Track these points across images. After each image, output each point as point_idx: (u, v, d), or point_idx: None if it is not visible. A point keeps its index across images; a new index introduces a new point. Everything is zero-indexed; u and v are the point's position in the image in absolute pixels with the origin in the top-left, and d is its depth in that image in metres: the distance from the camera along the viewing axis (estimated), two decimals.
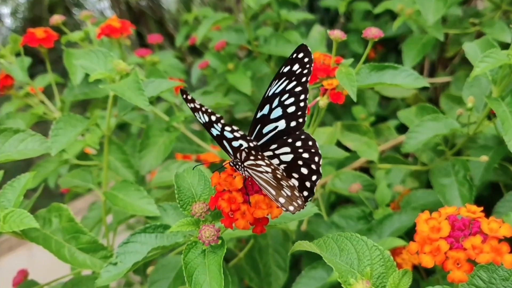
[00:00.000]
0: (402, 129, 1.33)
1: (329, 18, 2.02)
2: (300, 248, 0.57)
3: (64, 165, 1.14)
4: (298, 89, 0.61)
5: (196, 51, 2.16)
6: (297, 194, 0.55)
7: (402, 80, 0.84)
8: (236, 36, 1.46)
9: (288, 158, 0.61)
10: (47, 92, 1.18)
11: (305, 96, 0.61)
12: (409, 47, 1.25)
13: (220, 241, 0.60)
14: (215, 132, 0.58)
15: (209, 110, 0.55)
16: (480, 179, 0.96)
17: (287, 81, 0.61)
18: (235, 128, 0.56)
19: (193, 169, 0.67)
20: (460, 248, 0.46)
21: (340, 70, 0.81)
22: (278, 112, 0.62)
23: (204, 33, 1.47)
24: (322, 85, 0.82)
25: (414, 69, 1.24)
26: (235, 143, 0.58)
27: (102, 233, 1.05)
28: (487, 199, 1.22)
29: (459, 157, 0.98)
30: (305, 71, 0.60)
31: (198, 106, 0.56)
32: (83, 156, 1.18)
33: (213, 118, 0.56)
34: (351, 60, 0.85)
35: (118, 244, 0.71)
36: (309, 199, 0.59)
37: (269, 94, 0.62)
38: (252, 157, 0.56)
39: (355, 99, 0.77)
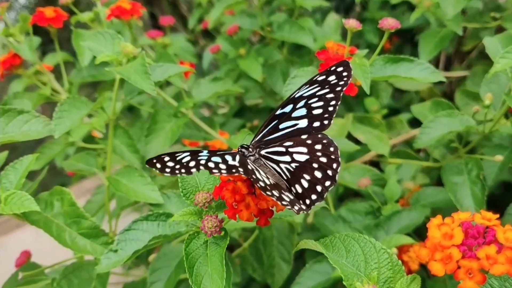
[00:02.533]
0: (414, 122, 1.30)
1: (345, 6, 1.99)
2: (305, 247, 0.56)
3: (70, 147, 1.13)
4: (330, 95, 0.61)
5: (209, 34, 2.13)
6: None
7: (417, 73, 0.82)
8: (249, 21, 1.43)
9: (302, 158, 0.59)
10: (56, 73, 1.16)
11: (336, 102, 0.60)
12: (426, 41, 1.22)
13: (223, 233, 0.58)
14: None
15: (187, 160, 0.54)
16: (493, 179, 0.93)
17: (318, 88, 0.61)
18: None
19: None
20: (473, 257, 0.43)
21: (354, 61, 0.78)
22: (301, 111, 0.61)
23: (216, 17, 1.44)
24: None
25: (430, 62, 1.21)
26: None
27: (107, 217, 1.04)
28: (499, 198, 1.19)
29: (473, 155, 0.95)
30: (342, 82, 0.60)
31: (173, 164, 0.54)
32: (90, 138, 1.17)
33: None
34: (365, 51, 0.83)
35: (122, 227, 0.70)
36: (315, 203, 0.57)
37: (296, 96, 0.62)
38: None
39: (368, 91, 0.75)
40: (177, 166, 0.53)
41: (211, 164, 0.53)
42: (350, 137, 1.07)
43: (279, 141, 0.61)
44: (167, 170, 0.53)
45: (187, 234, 0.61)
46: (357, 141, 1.11)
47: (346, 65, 0.61)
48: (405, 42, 1.78)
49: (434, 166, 1.07)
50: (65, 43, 1.35)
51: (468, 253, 0.44)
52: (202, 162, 0.53)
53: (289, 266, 1.00)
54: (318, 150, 0.59)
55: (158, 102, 1.32)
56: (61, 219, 0.74)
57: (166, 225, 0.67)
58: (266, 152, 0.61)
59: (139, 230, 0.67)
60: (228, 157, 0.55)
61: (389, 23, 0.76)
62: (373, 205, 1.05)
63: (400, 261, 0.51)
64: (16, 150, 0.85)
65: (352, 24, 0.76)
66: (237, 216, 0.56)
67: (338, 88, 0.60)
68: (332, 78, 0.61)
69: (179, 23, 2.72)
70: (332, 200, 1.11)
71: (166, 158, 0.54)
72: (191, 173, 0.53)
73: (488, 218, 0.46)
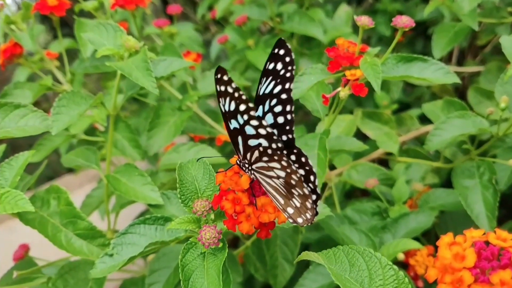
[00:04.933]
0: (425, 118, 1.26)
1: None
2: (307, 258, 0.53)
3: (73, 139, 1.11)
4: (283, 96, 0.55)
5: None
6: (309, 206, 0.51)
7: (431, 74, 0.78)
8: (258, 11, 1.39)
9: (282, 173, 0.54)
10: (62, 60, 1.13)
11: (291, 107, 0.55)
12: (440, 35, 1.17)
13: (221, 244, 0.56)
14: (234, 125, 0.51)
15: (243, 97, 0.49)
16: (505, 183, 0.90)
17: (273, 82, 0.55)
18: (263, 123, 0.50)
19: (197, 160, 0.62)
20: (486, 282, 0.40)
21: (365, 60, 0.75)
22: (270, 118, 0.56)
23: (225, 7, 1.41)
24: (344, 75, 0.76)
25: (443, 57, 1.17)
26: (253, 142, 0.52)
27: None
28: (509, 198, 1.16)
29: (485, 158, 0.92)
30: (288, 75, 0.54)
31: (230, 91, 0.49)
32: (92, 130, 1.14)
33: (242, 107, 0.49)
34: (377, 49, 0.80)
35: (124, 218, 0.67)
36: (314, 219, 0.54)
37: (260, 94, 0.56)
38: (265, 158, 0.51)
39: (378, 92, 0.71)
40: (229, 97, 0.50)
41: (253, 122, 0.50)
42: (359, 132, 1.04)
43: None
44: (223, 87, 0.50)
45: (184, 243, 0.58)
46: (365, 137, 1.07)
47: (284, 45, 0.54)
48: (418, 35, 1.74)
49: (444, 167, 1.04)
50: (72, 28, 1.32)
51: (480, 277, 0.41)
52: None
53: (292, 267, 0.98)
54: (295, 162, 0.54)
55: (164, 92, 1.29)
56: (57, 219, 0.72)
57: (164, 230, 0.65)
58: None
59: (136, 234, 0.65)
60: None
61: (403, 21, 0.72)
62: (380, 205, 1.02)
63: (407, 279, 0.48)
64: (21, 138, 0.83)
65: (364, 21, 0.73)
66: (237, 227, 0.54)
67: (287, 85, 0.54)
68: (279, 66, 0.54)
69: (191, 9, 2.68)
70: (338, 198, 1.08)
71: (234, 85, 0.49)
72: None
73: (503, 238, 0.43)
